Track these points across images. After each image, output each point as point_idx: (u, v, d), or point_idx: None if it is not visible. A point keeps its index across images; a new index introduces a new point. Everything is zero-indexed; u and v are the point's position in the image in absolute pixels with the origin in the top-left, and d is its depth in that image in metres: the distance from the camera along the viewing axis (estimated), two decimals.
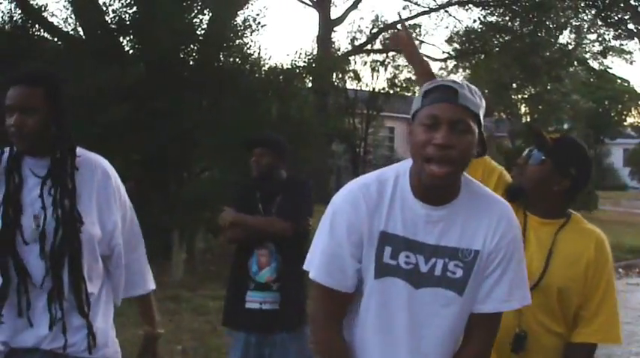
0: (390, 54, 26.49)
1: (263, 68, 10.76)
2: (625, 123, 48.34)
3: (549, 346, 2.67)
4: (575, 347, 2.70)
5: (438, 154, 2.08)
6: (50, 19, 10.69)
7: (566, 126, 30.80)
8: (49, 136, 2.70)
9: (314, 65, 11.53)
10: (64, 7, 12.77)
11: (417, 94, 2.24)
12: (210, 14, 10.50)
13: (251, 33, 10.69)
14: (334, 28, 22.01)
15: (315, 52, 14.52)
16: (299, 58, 11.17)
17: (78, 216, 2.69)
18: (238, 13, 10.81)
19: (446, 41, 26.57)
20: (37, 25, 10.45)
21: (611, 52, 28.79)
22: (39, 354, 2.73)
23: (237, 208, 4.35)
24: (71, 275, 2.68)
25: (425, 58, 3.31)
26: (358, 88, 27.65)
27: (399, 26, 3.25)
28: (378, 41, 25.70)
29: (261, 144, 4.38)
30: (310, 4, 23.08)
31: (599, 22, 23.78)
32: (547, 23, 21.62)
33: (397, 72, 28.64)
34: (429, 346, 2.28)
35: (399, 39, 3.18)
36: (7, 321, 2.72)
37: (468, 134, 2.12)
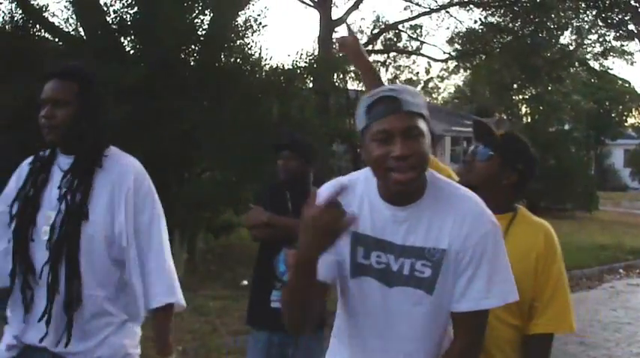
0: (391, 54, 26.50)
1: (264, 68, 10.75)
2: (626, 124, 48.40)
3: (505, 338, 2.72)
4: (531, 338, 2.76)
5: (399, 165, 2.13)
6: (51, 20, 10.68)
7: (566, 126, 30.73)
8: (79, 131, 2.71)
9: (315, 65, 11.52)
10: (64, 7, 12.75)
11: (359, 109, 2.25)
12: (212, 14, 10.49)
13: (252, 33, 10.67)
14: (335, 29, 21.95)
15: (316, 53, 14.52)
16: (300, 58, 11.15)
17: (85, 212, 2.68)
18: (239, 13, 10.79)
19: (447, 42, 26.60)
20: (37, 26, 10.44)
21: (611, 53, 28.76)
22: (47, 355, 2.72)
23: (267, 207, 4.28)
24: (66, 269, 2.68)
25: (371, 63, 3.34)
26: (359, 89, 27.67)
27: (346, 31, 3.23)
28: (379, 42, 25.72)
29: (288, 148, 4.30)
30: (311, 4, 23.04)
31: (600, 23, 23.77)
32: (548, 24, 21.61)
33: (398, 72, 28.77)
34: (404, 344, 2.32)
35: (345, 43, 3.23)
36: (15, 318, 2.74)
37: (421, 137, 2.17)
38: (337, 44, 3.39)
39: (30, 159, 2.88)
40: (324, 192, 2.18)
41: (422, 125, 2.18)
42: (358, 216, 2.20)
